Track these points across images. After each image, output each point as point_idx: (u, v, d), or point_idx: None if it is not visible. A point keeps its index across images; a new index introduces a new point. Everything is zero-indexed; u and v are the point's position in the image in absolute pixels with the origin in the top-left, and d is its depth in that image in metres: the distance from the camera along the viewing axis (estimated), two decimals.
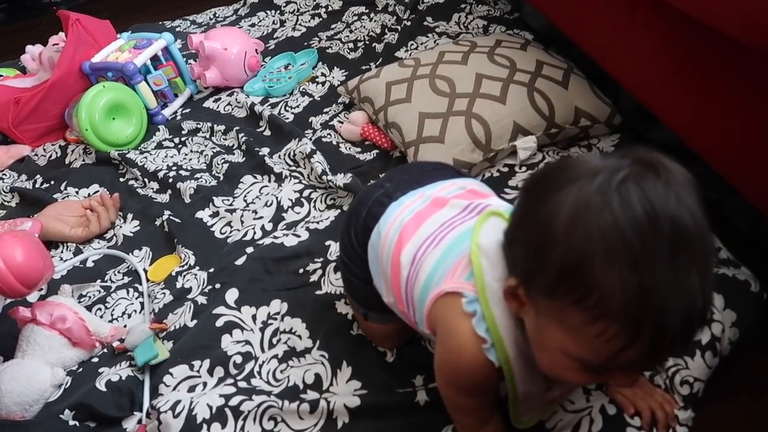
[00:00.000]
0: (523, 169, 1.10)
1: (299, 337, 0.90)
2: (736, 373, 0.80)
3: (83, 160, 1.41)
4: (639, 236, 0.44)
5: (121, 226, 1.19)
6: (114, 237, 1.18)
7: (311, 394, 0.82)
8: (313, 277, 0.99)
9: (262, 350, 0.89)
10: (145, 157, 1.35)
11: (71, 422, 0.82)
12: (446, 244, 0.64)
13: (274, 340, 0.90)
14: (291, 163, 1.25)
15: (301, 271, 1.00)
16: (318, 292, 0.96)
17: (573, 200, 0.46)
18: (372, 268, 0.75)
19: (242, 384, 0.83)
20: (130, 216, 1.21)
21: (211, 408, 0.79)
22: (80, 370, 0.91)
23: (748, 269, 0.86)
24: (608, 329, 0.46)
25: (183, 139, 1.42)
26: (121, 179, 1.33)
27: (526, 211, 0.52)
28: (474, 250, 0.59)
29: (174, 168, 1.30)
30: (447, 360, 0.63)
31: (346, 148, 1.27)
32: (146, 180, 1.29)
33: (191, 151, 1.38)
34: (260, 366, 0.86)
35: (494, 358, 0.58)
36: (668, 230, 0.43)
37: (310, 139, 1.29)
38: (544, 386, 0.63)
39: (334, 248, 1.02)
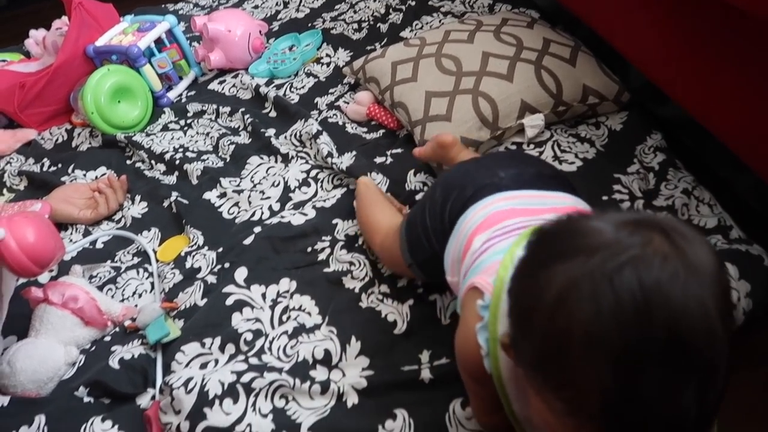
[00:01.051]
0: (531, 146, 1.10)
1: (309, 314, 0.91)
2: (748, 347, 0.81)
3: (90, 144, 1.42)
4: (625, 337, 0.38)
5: (129, 208, 1.20)
6: (123, 218, 1.18)
7: (321, 370, 0.83)
8: (321, 256, 0.99)
9: (272, 327, 0.90)
10: (152, 140, 1.35)
11: (86, 399, 0.83)
12: (509, 243, 0.64)
13: (284, 318, 0.91)
14: (297, 143, 1.25)
15: (309, 249, 1.00)
16: (326, 270, 0.97)
17: (563, 279, 0.41)
18: (450, 241, 0.74)
19: (253, 360, 0.84)
20: (138, 198, 1.22)
21: (222, 384, 0.80)
22: (93, 348, 0.92)
23: (760, 246, 0.86)
24: (585, 426, 0.41)
25: (188, 121, 1.42)
26: (128, 162, 1.33)
27: (522, 273, 0.47)
28: (505, 260, 0.58)
29: (180, 150, 1.30)
30: (457, 344, 0.65)
31: (352, 128, 1.27)
32: (153, 162, 1.30)
33: (197, 133, 1.38)
34: (270, 342, 0.87)
35: (487, 366, 0.58)
36: (662, 335, 0.37)
37: (316, 119, 1.28)
38: None
39: (341, 226, 1.03)
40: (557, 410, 0.43)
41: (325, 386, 0.81)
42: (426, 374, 0.81)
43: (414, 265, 0.84)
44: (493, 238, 0.67)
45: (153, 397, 0.84)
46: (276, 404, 0.80)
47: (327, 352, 0.84)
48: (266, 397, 0.80)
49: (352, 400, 0.80)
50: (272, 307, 0.93)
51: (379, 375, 0.82)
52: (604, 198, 0.99)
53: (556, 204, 0.70)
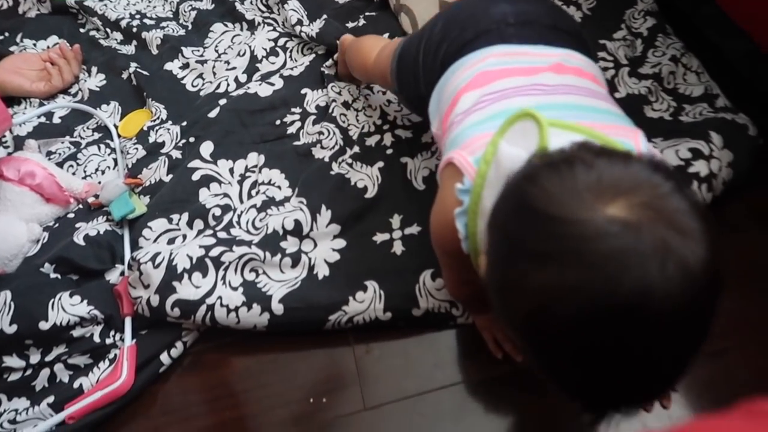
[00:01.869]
0: None
1: (278, 187, 0.89)
2: (719, 216, 0.81)
3: (38, 10, 1.29)
4: (596, 347, 0.38)
5: (86, 80, 1.12)
6: (79, 92, 1.11)
7: (291, 241, 0.82)
8: (291, 129, 0.95)
9: (241, 202, 0.88)
10: (105, 5, 1.24)
11: (52, 275, 0.81)
12: (493, 110, 0.59)
13: (253, 192, 0.89)
14: (264, 9, 1.16)
15: (278, 122, 0.96)
16: (296, 143, 0.93)
17: (546, 293, 0.38)
18: (437, 88, 0.70)
19: (222, 234, 0.83)
20: (94, 69, 1.14)
21: (191, 258, 0.78)
22: (56, 225, 0.90)
23: (746, 116, 0.84)
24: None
25: None
26: (81, 30, 1.23)
27: (503, 250, 0.43)
28: (488, 151, 0.52)
29: (137, 17, 1.20)
30: (432, 221, 0.63)
31: None
32: (108, 30, 1.20)
33: None
34: (239, 216, 0.85)
35: (465, 248, 0.56)
36: (637, 355, 0.38)
37: None
38: None
39: (311, 97, 0.98)
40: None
41: (296, 258, 0.80)
42: (398, 246, 0.81)
43: (401, 96, 0.82)
44: (480, 103, 0.62)
45: (122, 273, 0.83)
46: (246, 277, 0.79)
47: (297, 223, 0.82)
48: (236, 270, 0.79)
49: (323, 272, 0.80)
50: (240, 182, 0.90)
51: (350, 246, 0.82)
52: None
53: (560, 60, 0.64)
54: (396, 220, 0.83)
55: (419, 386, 0.72)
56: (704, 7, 0.95)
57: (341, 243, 0.82)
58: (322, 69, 1.02)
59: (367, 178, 0.87)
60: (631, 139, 0.54)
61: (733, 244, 0.79)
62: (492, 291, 0.45)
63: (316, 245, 0.82)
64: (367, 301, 0.76)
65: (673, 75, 0.92)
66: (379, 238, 0.82)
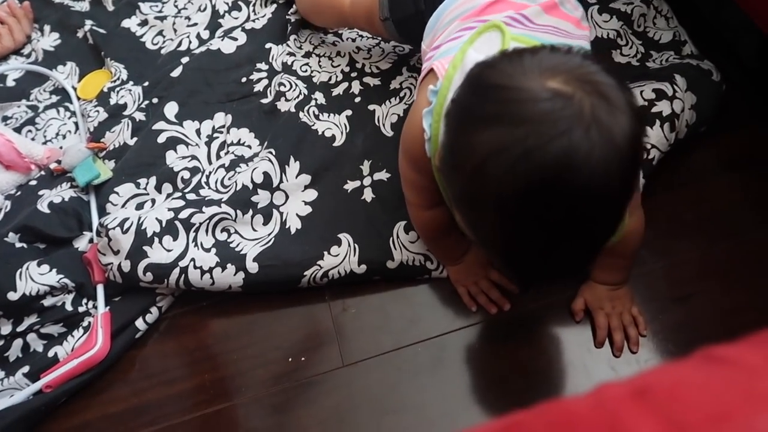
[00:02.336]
0: None
1: (248, 147, 0.87)
2: (685, 165, 0.83)
3: None
4: (529, 209, 0.43)
5: (38, 40, 1.07)
6: (33, 52, 1.06)
7: (262, 194, 0.81)
8: (258, 87, 0.92)
9: (210, 163, 0.86)
10: None
11: (18, 244, 0.79)
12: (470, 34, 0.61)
13: (222, 153, 0.87)
14: None
15: (243, 80, 0.93)
16: (264, 101, 0.91)
17: (487, 147, 0.43)
18: (442, 6, 0.71)
19: (191, 196, 0.81)
20: (47, 28, 1.08)
21: (160, 222, 0.77)
22: (18, 193, 0.87)
23: (710, 62, 0.85)
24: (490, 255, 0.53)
25: None
26: None
27: (455, 123, 0.49)
28: (456, 57, 0.57)
29: None
30: (405, 128, 0.66)
31: None
32: None
33: None
34: (207, 177, 0.84)
35: (428, 149, 0.60)
36: (562, 213, 0.43)
37: None
38: None
39: (275, 51, 0.95)
40: (468, 231, 0.51)
41: (267, 214, 0.80)
42: (368, 194, 0.81)
43: (389, 21, 0.80)
44: (468, 28, 0.63)
45: (90, 240, 0.82)
46: (218, 237, 0.79)
47: (266, 175, 0.81)
48: (207, 231, 0.78)
49: (295, 226, 0.80)
50: (208, 144, 0.88)
51: (321, 196, 0.82)
52: None
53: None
54: (366, 166, 0.83)
55: (396, 341, 0.73)
56: None
57: (312, 194, 0.82)
58: (287, 17, 0.99)
59: (335, 126, 0.87)
60: None
61: (699, 191, 0.81)
62: (442, 170, 0.52)
63: (287, 197, 0.81)
64: (341, 255, 0.77)
65: (643, 17, 0.92)
66: (350, 186, 0.82)
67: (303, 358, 0.74)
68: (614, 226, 0.46)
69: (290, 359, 0.74)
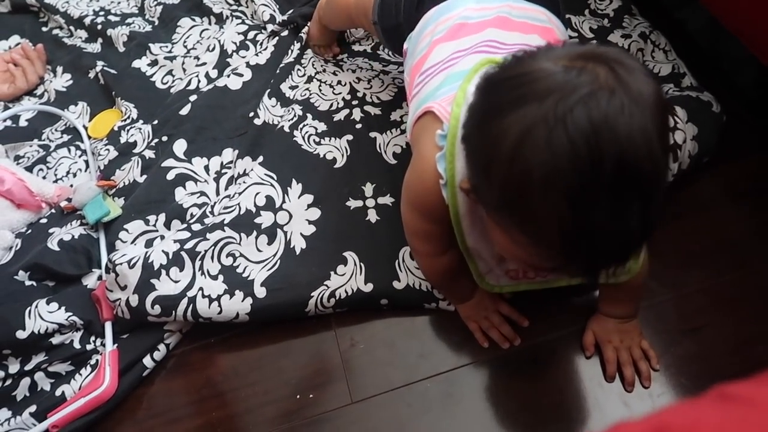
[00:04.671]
0: None
1: (251, 170, 0.88)
2: (691, 194, 0.83)
3: None
4: (578, 174, 0.40)
5: (51, 81, 1.09)
6: (45, 93, 1.08)
7: (266, 215, 0.82)
8: (261, 119, 0.94)
9: (217, 195, 0.88)
10: (67, 2, 1.21)
11: (27, 282, 0.80)
12: (462, 67, 0.62)
13: (229, 187, 0.88)
14: (232, 1, 1.14)
15: (251, 114, 0.94)
16: (257, 121, 0.93)
17: (518, 127, 0.42)
18: (416, 32, 0.73)
19: (196, 227, 0.82)
20: (60, 69, 1.11)
21: (167, 254, 0.78)
22: (29, 231, 0.88)
23: (710, 93, 0.86)
24: (545, 252, 0.46)
25: None
26: (44, 28, 1.20)
27: (477, 124, 0.48)
28: (458, 96, 0.57)
29: (101, 13, 1.18)
30: (410, 179, 0.64)
31: None
32: (72, 28, 1.17)
33: None
34: (212, 207, 0.85)
35: (446, 196, 0.58)
36: (612, 168, 0.40)
37: None
38: (498, 254, 0.62)
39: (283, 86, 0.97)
40: (521, 242, 0.47)
41: (271, 233, 0.80)
42: (372, 215, 0.82)
43: (378, 26, 0.82)
44: (453, 59, 0.65)
45: (100, 277, 0.82)
46: (224, 263, 0.79)
47: (269, 198, 0.83)
48: (213, 258, 0.79)
49: (300, 246, 0.80)
50: (217, 179, 0.89)
51: (325, 214, 0.82)
52: None
53: (528, 19, 0.68)
54: (369, 188, 0.84)
55: (405, 377, 0.73)
56: None
57: (316, 213, 0.83)
58: (291, 47, 1.02)
59: (335, 149, 0.89)
60: None
61: (706, 222, 0.81)
62: (475, 186, 0.50)
63: (291, 217, 0.82)
64: (348, 274, 0.77)
65: (641, 52, 0.94)
66: (353, 204, 0.83)
67: (311, 395, 0.73)
68: (663, 184, 0.43)
69: (298, 396, 0.73)
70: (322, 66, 1.01)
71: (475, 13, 0.68)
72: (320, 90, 0.98)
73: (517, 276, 0.67)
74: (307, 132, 0.91)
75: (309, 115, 0.93)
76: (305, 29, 1.03)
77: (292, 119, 0.92)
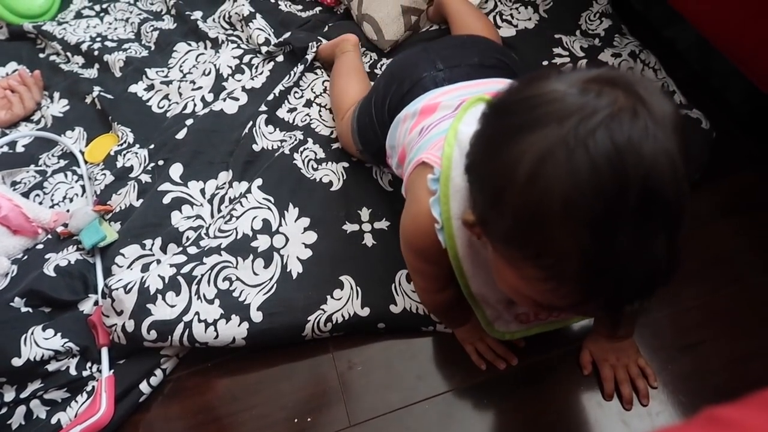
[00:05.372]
0: None
1: (249, 192, 0.88)
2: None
3: None
4: (603, 199, 0.37)
5: (48, 107, 1.10)
6: (42, 119, 1.09)
7: (262, 239, 0.82)
8: (259, 144, 0.94)
9: (212, 217, 0.88)
10: (64, 29, 1.22)
11: (23, 309, 0.80)
12: (446, 125, 0.62)
13: (222, 207, 0.88)
14: (227, 26, 1.16)
15: (248, 140, 0.95)
16: (255, 147, 0.94)
17: (536, 150, 0.39)
18: (390, 132, 0.76)
19: (192, 250, 0.82)
20: (57, 95, 1.12)
21: (163, 279, 0.78)
22: (25, 257, 0.88)
23: (699, 110, 0.87)
24: (561, 288, 0.42)
25: (104, 6, 1.29)
26: (41, 55, 1.21)
27: (486, 149, 0.45)
28: (449, 135, 0.55)
29: (98, 39, 1.19)
30: (406, 223, 0.63)
31: (285, 5, 1.17)
32: (69, 54, 1.18)
33: (115, 19, 1.25)
34: (207, 229, 0.85)
35: (442, 240, 0.57)
36: (637, 193, 0.37)
37: None
38: (506, 297, 0.61)
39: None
40: (532, 278, 0.43)
41: (268, 257, 0.81)
42: (368, 239, 0.82)
43: (365, 152, 0.86)
44: (433, 123, 0.66)
45: (96, 303, 0.82)
46: (220, 287, 0.79)
47: (266, 222, 0.84)
48: (209, 282, 0.79)
49: (296, 270, 0.80)
50: (211, 201, 0.90)
51: (321, 238, 0.83)
52: (544, 63, 0.97)
53: (490, 90, 0.67)
54: (365, 213, 0.85)
55: (403, 399, 0.72)
56: (656, 5, 0.98)
57: (312, 236, 0.83)
58: (295, 69, 1.03)
59: (332, 173, 0.90)
60: None
61: (700, 238, 0.81)
62: (482, 220, 0.46)
63: (287, 240, 0.83)
64: (344, 298, 0.77)
65: (631, 71, 0.94)
66: (349, 227, 0.84)
67: (309, 419, 0.73)
68: (687, 210, 0.40)
69: (296, 420, 0.73)
70: (316, 90, 1.02)
71: (444, 96, 0.69)
72: (320, 115, 0.98)
73: (528, 320, 0.66)
74: (307, 156, 0.91)
75: (310, 140, 0.94)
76: (311, 50, 1.04)
77: (293, 143, 0.93)
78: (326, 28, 1.11)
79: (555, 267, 0.41)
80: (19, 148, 1.05)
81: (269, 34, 1.09)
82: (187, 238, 0.86)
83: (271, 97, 0.98)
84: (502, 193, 0.41)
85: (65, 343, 0.76)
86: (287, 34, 1.08)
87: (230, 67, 1.07)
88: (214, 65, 1.07)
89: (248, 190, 0.87)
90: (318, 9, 1.16)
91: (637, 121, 0.38)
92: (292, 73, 1.02)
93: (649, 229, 0.38)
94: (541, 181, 0.39)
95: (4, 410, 0.74)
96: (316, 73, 1.04)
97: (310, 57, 1.03)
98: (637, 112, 0.38)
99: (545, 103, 0.40)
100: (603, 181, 0.37)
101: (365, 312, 0.76)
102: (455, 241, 0.56)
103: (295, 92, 1.01)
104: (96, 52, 1.15)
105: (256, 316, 0.76)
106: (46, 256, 0.86)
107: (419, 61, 0.77)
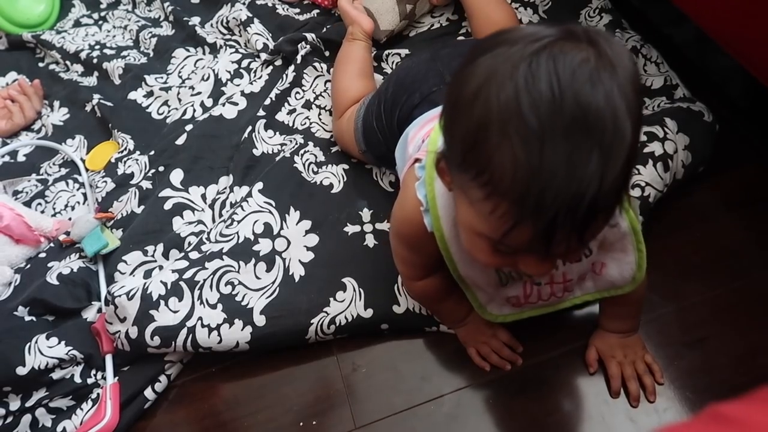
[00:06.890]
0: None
1: (250, 196, 0.88)
2: (686, 206, 0.83)
3: None
4: (535, 113, 0.38)
5: (48, 115, 1.11)
6: (43, 127, 1.10)
7: (264, 243, 0.82)
8: (260, 147, 0.94)
9: (213, 222, 0.88)
10: (63, 38, 1.23)
11: (27, 318, 0.80)
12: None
13: (224, 212, 0.88)
14: (225, 31, 1.16)
15: (248, 145, 0.95)
16: (255, 152, 0.94)
17: (483, 69, 0.41)
18: (399, 147, 0.75)
19: (193, 255, 0.82)
20: (57, 103, 1.12)
21: (165, 284, 0.77)
22: (28, 266, 0.88)
23: (702, 104, 0.86)
24: (499, 206, 0.42)
25: (102, 14, 1.29)
26: (40, 64, 1.22)
27: (452, 79, 0.46)
28: (434, 129, 0.58)
29: (97, 47, 1.19)
30: (395, 211, 0.65)
31: (283, 9, 1.17)
32: (68, 63, 1.19)
33: (114, 26, 1.26)
34: (208, 234, 0.85)
35: (428, 223, 0.58)
36: (570, 110, 0.38)
37: (244, 3, 1.18)
38: (495, 279, 0.62)
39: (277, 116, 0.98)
40: (476, 200, 0.44)
41: (270, 260, 0.80)
42: (370, 240, 0.82)
43: (368, 154, 0.86)
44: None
45: (99, 310, 0.82)
46: (222, 291, 0.78)
47: (267, 225, 0.83)
48: (212, 287, 0.79)
49: (299, 273, 0.80)
50: (212, 206, 0.90)
51: (323, 240, 0.82)
52: None
53: None
54: (366, 214, 0.85)
55: (408, 400, 0.72)
56: (655, 4, 0.97)
57: (314, 239, 0.83)
58: (293, 70, 1.02)
59: (332, 176, 0.89)
60: None
61: (704, 232, 0.80)
62: (444, 140, 0.47)
63: (289, 243, 0.82)
64: (347, 300, 0.77)
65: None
66: (350, 229, 0.83)
67: (314, 422, 0.72)
68: (628, 150, 0.40)
69: (301, 423, 0.73)
70: (316, 90, 1.01)
71: None
72: (320, 118, 0.98)
73: (519, 302, 0.66)
74: (307, 159, 0.91)
75: (310, 143, 0.93)
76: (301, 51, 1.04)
77: (293, 147, 0.93)
78: (324, 30, 1.10)
79: (492, 182, 0.42)
80: (21, 158, 1.05)
81: (267, 39, 1.09)
82: (189, 244, 0.85)
83: (267, 101, 0.98)
84: (453, 114, 0.44)
85: (69, 351, 0.76)
86: (277, 42, 1.07)
87: (229, 72, 1.07)
88: (213, 70, 1.07)
89: (249, 194, 0.87)
90: (315, 12, 1.16)
91: (580, 53, 0.39)
92: (284, 76, 1.02)
93: (580, 147, 0.39)
94: (482, 98, 0.41)
95: (9, 419, 0.74)
96: (317, 69, 1.03)
97: (299, 58, 1.02)
98: (583, 48, 0.40)
99: (503, 32, 0.43)
100: (538, 96, 0.39)
101: (368, 313, 0.76)
102: (441, 222, 0.57)
103: (296, 93, 1.01)
104: (95, 60, 1.15)
105: (260, 320, 0.76)
106: (49, 265, 0.86)
107: (428, 73, 0.76)
